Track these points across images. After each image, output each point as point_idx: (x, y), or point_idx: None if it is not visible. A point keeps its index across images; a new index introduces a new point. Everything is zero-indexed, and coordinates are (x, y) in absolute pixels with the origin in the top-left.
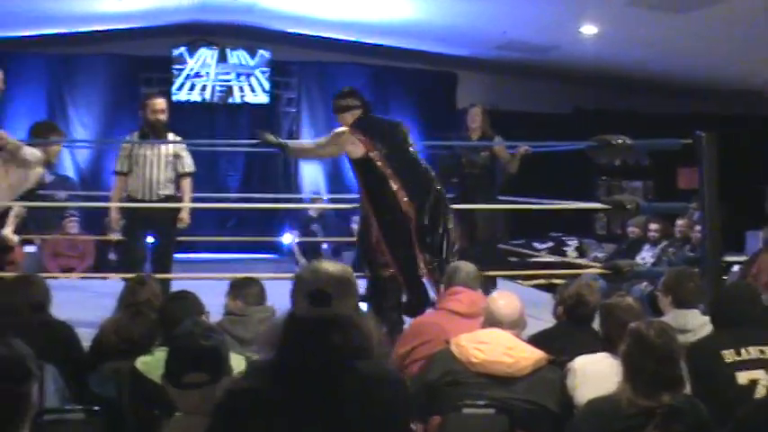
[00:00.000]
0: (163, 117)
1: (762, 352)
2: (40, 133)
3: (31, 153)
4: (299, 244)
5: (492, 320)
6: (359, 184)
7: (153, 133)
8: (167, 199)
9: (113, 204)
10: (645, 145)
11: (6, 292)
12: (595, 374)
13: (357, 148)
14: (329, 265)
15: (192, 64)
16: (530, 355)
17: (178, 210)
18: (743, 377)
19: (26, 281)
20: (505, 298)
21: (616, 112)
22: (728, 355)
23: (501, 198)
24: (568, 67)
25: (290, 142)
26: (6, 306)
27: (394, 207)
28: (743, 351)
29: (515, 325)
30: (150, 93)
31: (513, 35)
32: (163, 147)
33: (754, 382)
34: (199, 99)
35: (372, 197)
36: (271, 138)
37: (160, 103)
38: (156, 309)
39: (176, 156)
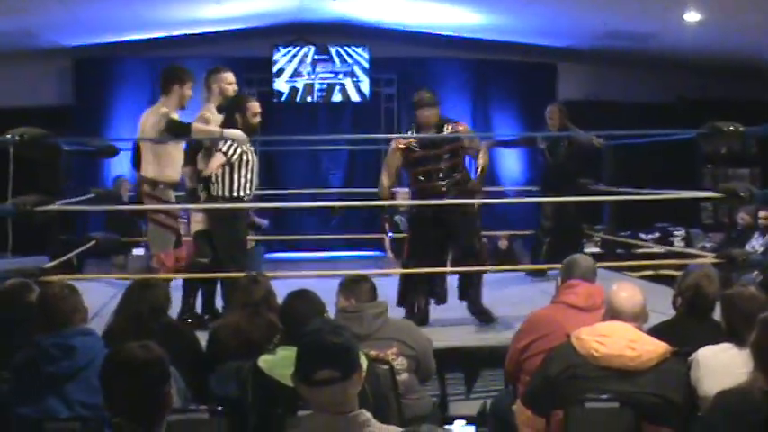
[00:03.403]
0: (259, 119)
1: None
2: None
3: None
4: (391, 239)
5: (613, 313)
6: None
7: (252, 136)
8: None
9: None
10: (756, 131)
11: (129, 297)
12: (720, 365)
13: None
14: None
15: (292, 63)
16: (654, 348)
17: None
18: None
19: (146, 285)
20: (627, 290)
21: (720, 101)
22: None
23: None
24: (671, 56)
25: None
26: (130, 311)
27: None
28: None
29: (637, 317)
30: (247, 96)
31: (614, 24)
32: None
33: None
34: (299, 98)
35: None
36: None
37: (258, 105)
38: (273, 307)
39: None
